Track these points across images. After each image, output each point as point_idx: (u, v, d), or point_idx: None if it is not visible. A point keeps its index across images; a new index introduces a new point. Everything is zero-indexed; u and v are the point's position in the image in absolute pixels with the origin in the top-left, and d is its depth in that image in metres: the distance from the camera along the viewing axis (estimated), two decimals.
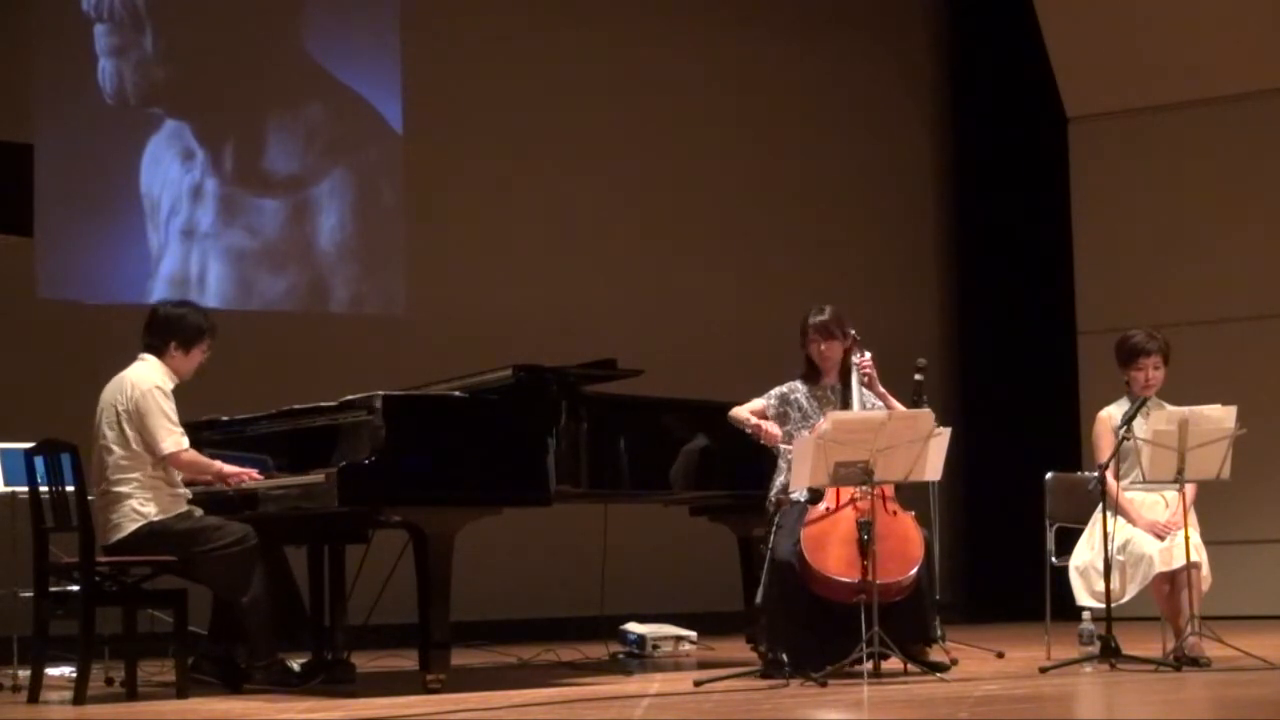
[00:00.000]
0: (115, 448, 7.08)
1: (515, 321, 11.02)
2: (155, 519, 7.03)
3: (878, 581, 6.87)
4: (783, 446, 7.41)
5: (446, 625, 6.92)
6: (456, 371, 7.68)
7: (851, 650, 6.86)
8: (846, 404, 7.45)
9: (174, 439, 7.08)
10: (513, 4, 11.75)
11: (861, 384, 7.47)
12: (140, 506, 7.04)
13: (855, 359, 7.50)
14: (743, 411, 7.56)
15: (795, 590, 7.04)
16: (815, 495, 7.20)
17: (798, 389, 7.55)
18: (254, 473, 7.24)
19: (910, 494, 7.50)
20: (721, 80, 12.39)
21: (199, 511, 7.18)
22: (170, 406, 7.12)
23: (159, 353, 7.24)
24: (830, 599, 7.01)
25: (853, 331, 7.55)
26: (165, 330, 7.27)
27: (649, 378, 7.72)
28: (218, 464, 7.24)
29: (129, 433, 7.07)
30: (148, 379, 7.14)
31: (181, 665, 6.95)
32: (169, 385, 7.17)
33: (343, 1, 11.32)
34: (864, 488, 7.02)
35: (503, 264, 11.42)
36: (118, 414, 7.10)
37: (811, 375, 7.57)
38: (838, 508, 7.13)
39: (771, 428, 7.45)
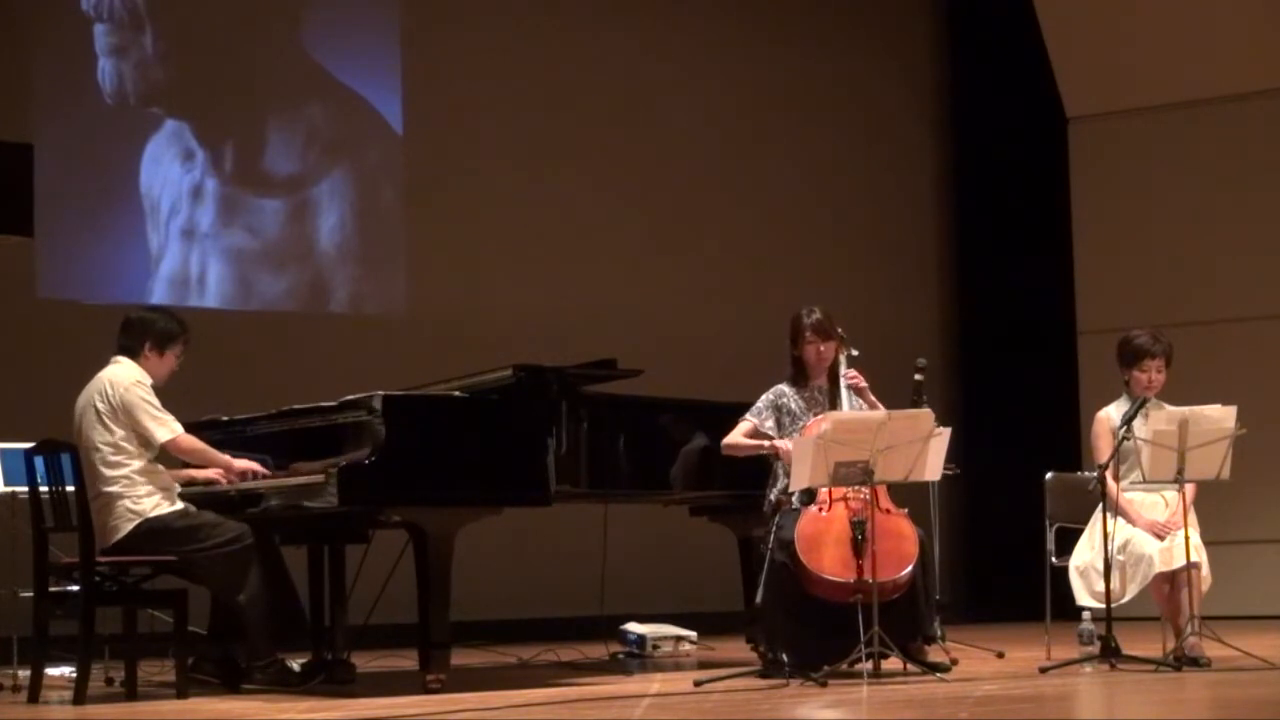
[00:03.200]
0: (102, 447, 7.07)
1: (515, 321, 11.02)
2: (152, 515, 7.03)
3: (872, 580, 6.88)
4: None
5: (446, 625, 6.92)
6: (456, 371, 7.68)
7: (851, 650, 6.86)
8: (835, 405, 7.43)
9: (167, 428, 7.10)
10: (513, 5, 11.75)
11: (850, 390, 7.47)
12: (134, 505, 7.04)
13: (844, 370, 7.48)
14: (741, 439, 7.46)
15: (794, 590, 7.04)
16: (808, 496, 7.19)
17: (785, 393, 7.52)
18: (259, 468, 7.27)
19: (910, 494, 7.50)
20: (721, 81, 12.39)
21: (193, 508, 7.18)
22: (154, 399, 7.13)
23: (133, 354, 7.27)
24: (827, 599, 7.01)
25: (840, 330, 7.55)
26: (139, 332, 7.29)
27: (649, 378, 7.72)
28: (225, 456, 7.25)
29: (116, 430, 7.07)
30: (126, 376, 7.16)
31: (181, 665, 6.95)
32: (147, 381, 7.19)
33: (343, 1, 11.32)
34: (855, 487, 7.02)
35: (502, 264, 11.42)
36: (98, 413, 7.10)
37: (799, 378, 7.54)
38: (830, 508, 7.13)
39: (782, 444, 7.35)
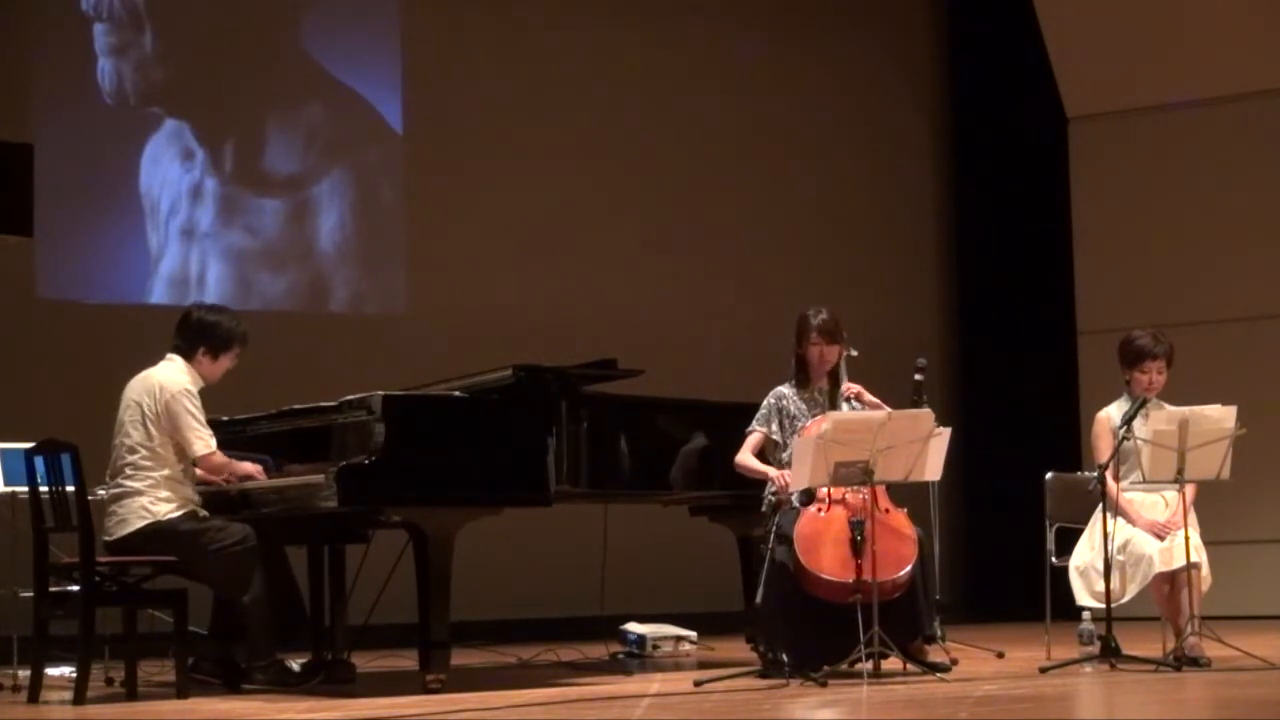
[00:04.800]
0: (139, 446, 7.11)
1: (515, 321, 11.02)
2: (162, 519, 7.05)
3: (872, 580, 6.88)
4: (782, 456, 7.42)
5: (446, 625, 6.92)
6: (456, 371, 7.68)
7: (851, 650, 6.86)
8: (834, 407, 7.43)
9: (204, 443, 7.14)
10: (513, 5, 11.75)
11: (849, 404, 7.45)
12: (151, 505, 7.06)
13: (844, 386, 7.47)
14: (750, 460, 7.43)
15: (794, 590, 7.04)
16: (806, 497, 7.19)
17: (785, 395, 7.51)
18: (259, 473, 7.29)
19: (910, 494, 7.50)
20: (722, 81, 12.39)
21: (203, 513, 7.20)
22: (198, 409, 7.17)
23: (187, 356, 7.28)
24: (827, 599, 7.01)
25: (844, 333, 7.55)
26: (196, 336, 7.30)
27: (649, 378, 7.71)
28: (239, 464, 7.27)
29: (155, 434, 7.10)
30: (175, 381, 7.17)
31: (181, 665, 6.95)
32: (195, 388, 7.20)
33: (343, 1, 11.32)
34: (853, 486, 7.02)
35: (503, 264, 11.42)
36: (143, 413, 7.13)
37: (801, 379, 7.54)
38: (829, 508, 7.13)
39: (778, 475, 7.29)
